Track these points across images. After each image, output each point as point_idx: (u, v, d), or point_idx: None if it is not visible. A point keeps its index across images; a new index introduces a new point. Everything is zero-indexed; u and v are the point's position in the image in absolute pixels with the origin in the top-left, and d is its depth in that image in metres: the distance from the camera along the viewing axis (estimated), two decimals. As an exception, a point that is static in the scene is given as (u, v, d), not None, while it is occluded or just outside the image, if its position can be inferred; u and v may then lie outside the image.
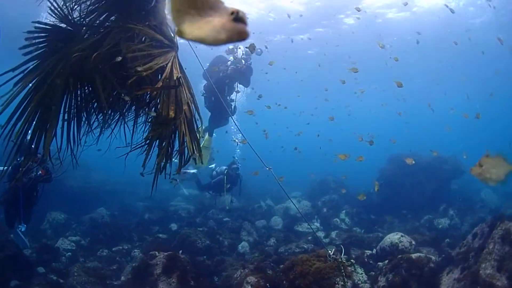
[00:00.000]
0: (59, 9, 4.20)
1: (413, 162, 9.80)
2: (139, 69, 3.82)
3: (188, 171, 13.73)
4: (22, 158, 5.58)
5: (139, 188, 19.42)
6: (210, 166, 14.30)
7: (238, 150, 14.37)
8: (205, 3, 1.32)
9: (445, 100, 26.06)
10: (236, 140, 13.83)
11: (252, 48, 8.81)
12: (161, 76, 4.21)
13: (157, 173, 4.29)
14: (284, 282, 7.29)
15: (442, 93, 24.76)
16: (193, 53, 4.99)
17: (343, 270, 6.70)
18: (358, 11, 13.40)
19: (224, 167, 12.46)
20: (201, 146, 11.92)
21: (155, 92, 4.19)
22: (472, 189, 17.21)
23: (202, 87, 11.28)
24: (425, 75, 25.83)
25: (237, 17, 1.27)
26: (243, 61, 10.90)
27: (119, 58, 3.90)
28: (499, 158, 3.30)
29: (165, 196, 18.35)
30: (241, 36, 1.28)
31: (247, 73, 10.94)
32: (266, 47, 11.05)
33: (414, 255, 7.42)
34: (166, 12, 4.65)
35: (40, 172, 7.70)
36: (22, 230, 7.89)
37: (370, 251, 9.37)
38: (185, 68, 4.60)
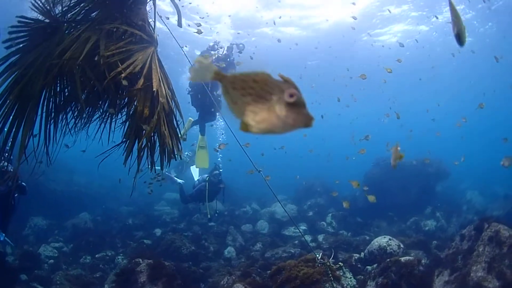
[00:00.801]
0: (41, 3, 4.17)
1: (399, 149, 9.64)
2: (124, 83, 3.79)
3: (172, 175, 13.47)
4: None
5: (122, 192, 19.11)
6: (194, 168, 14.07)
7: (220, 155, 14.18)
8: (257, 85, 1.25)
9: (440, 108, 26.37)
10: (218, 149, 13.67)
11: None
12: (139, 75, 4.11)
13: (137, 172, 4.14)
14: (272, 288, 7.14)
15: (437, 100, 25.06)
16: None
17: (331, 275, 6.57)
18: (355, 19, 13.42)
19: (206, 175, 12.18)
20: (197, 146, 11.82)
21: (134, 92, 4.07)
22: (458, 190, 17.37)
23: (188, 85, 11.20)
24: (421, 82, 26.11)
25: (298, 102, 1.20)
26: (229, 58, 10.93)
27: (125, 82, 3.88)
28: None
29: (149, 200, 18.04)
30: (308, 124, 1.23)
31: (229, 69, 10.91)
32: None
33: (403, 258, 7.33)
34: (147, 9, 4.59)
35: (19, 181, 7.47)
36: (1, 239, 7.60)
37: (358, 255, 9.29)
38: (166, 67, 4.51)
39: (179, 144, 4.41)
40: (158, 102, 4.01)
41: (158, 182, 8.01)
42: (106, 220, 15.33)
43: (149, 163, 4.19)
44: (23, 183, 7.68)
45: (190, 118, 11.91)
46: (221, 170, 12.00)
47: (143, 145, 4.03)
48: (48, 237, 12.31)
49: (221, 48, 11.18)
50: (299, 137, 14.49)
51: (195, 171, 14.10)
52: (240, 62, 10.54)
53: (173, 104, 4.30)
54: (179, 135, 4.48)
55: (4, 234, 7.76)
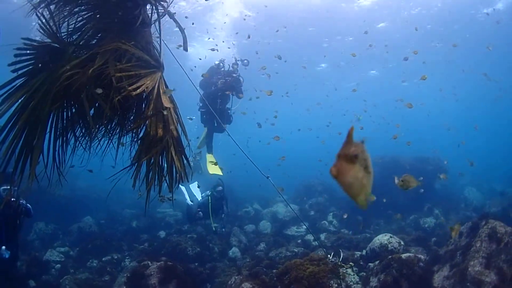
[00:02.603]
0: (47, 25, 4.13)
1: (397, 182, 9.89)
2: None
3: (185, 191, 13.59)
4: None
5: (125, 195, 19.22)
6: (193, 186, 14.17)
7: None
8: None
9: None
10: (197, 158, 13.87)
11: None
12: (146, 95, 4.24)
13: (148, 196, 4.41)
14: (279, 287, 7.39)
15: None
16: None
17: (340, 273, 6.84)
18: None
19: (209, 191, 12.38)
20: (207, 162, 12.01)
21: (144, 115, 4.22)
22: (456, 187, 17.63)
23: (198, 99, 11.39)
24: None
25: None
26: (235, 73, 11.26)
27: (100, 91, 3.91)
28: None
29: (151, 203, 18.06)
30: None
31: (236, 84, 11.19)
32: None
33: (404, 255, 7.59)
34: (151, 33, 4.68)
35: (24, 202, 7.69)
36: (6, 256, 7.74)
37: (359, 252, 9.53)
38: (174, 90, 4.55)
39: (185, 168, 4.51)
40: (168, 127, 4.13)
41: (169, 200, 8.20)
42: (110, 223, 15.48)
43: (159, 188, 4.35)
44: (29, 205, 7.87)
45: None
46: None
47: (151, 167, 4.18)
48: (53, 242, 12.45)
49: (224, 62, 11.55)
50: (298, 137, 14.78)
51: (196, 190, 14.15)
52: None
53: (180, 128, 4.39)
54: (187, 160, 4.57)
55: (9, 252, 7.91)
